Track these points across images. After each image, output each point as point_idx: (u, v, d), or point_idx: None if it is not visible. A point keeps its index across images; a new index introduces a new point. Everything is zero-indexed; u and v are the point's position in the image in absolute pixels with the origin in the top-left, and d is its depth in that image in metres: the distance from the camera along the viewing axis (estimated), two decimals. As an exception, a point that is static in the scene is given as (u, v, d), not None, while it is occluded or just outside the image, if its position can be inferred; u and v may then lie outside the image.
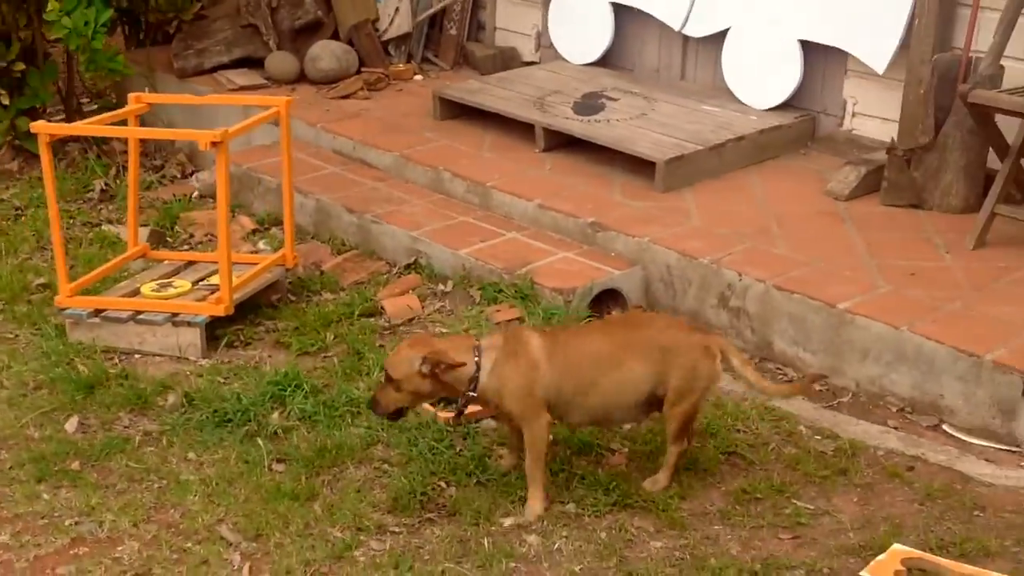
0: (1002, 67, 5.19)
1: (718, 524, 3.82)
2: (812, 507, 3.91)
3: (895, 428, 4.39)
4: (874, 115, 6.02)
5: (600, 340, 3.88)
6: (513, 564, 3.61)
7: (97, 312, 4.89)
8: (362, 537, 3.74)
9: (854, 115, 6.13)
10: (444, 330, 4.94)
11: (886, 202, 5.55)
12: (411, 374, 3.69)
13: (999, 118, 5.07)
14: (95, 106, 7.27)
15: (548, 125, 6.17)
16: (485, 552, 3.64)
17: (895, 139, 5.59)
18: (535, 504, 3.80)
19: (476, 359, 3.73)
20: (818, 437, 4.30)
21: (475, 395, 3.76)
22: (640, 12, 6.75)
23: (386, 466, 4.09)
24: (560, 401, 3.79)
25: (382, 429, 4.25)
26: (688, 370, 3.79)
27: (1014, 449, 4.23)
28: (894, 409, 4.51)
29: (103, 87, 7.52)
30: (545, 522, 3.77)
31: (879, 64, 5.81)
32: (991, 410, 4.28)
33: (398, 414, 3.83)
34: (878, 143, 5.84)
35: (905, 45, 5.65)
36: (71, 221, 6.12)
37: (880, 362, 4.54)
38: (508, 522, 3.78)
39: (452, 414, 4.06)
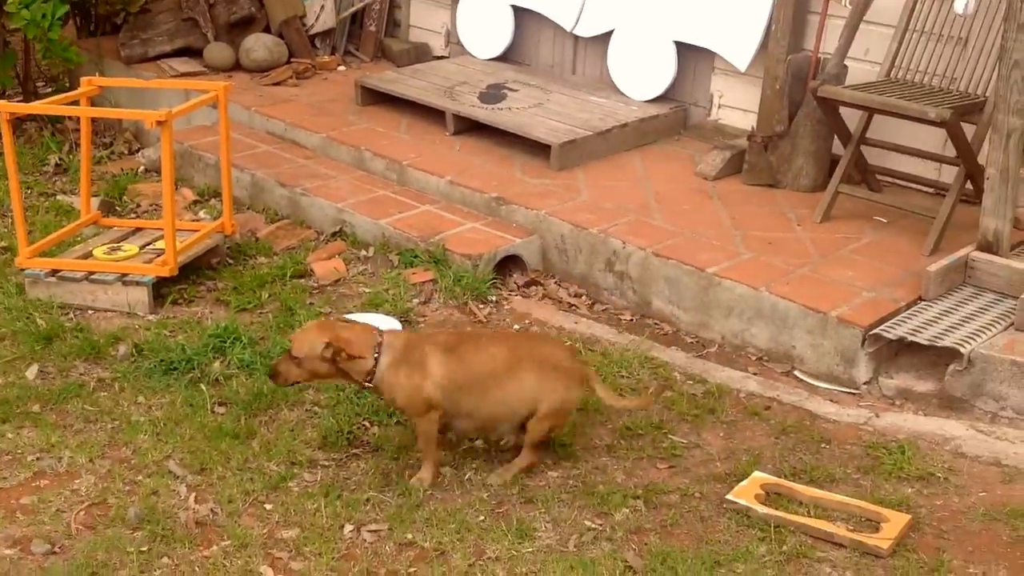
0: (846, 66, 5.26)
1: (605, 456, 3.84)
2: (685, 441, 3.95)
3: (755, 374, 4.46)
4: (737, 107, 6.08)
5: (496, 356, 3.57)
6: (429, 492, 3.59)
7: (54, 272, 4.74)
8: (295, 470, 3.69)
9: (720, 107, 6.17)
10: (367, 289, 4.89)
11: (747, 182, 5.61)
12: (313, 356, 3.44)
13: (843, 110, 5.14)
14: (50, 89, 7.03)
15: (457, 111, 6.11)
16: (405, 483, 3.62)
17: (755, 127, 5.65)
18: (425, 475, 3.63)
19: (376, 355, 3.49)
20: (690, 382, 4.35)
21: (371, 386, 3.54)
22: (537, 14, 6.70)
23: (316, 408, 4.04)
24: (452, 412, 3.57)
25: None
26: (566, 391, 3.59)
27: (854, 391, 4.33)
28: (753, 358, 4.58)
29: (57, 72, 7.27)
30: (458, 456, 3.75)
31: (741, 63, 5.86)
32: (835, 358, 4.37)
33: (292, 384, 3.61)
34: (740, 131, 5.89)
35: (764, 46, 5.71)
36: (29, 192, 5.91)
37: (742, 318, 4.60)
38: (414, 480, 3.63)
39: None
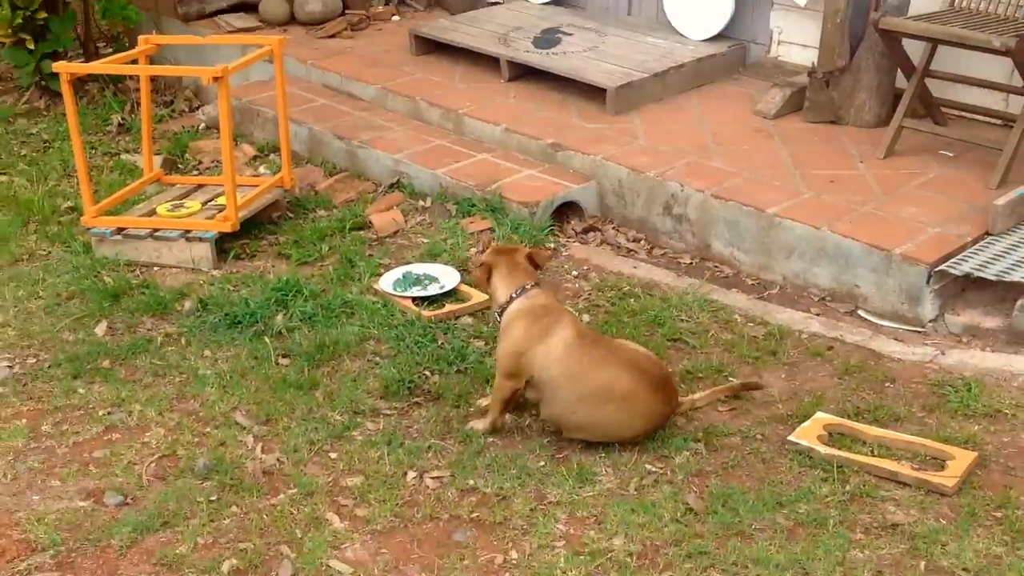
0: (908, -3, 5.14)
1: (666, 400, 3.83)
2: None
3: (817, 315, 4.41)
4: (797, 43, 5.96)
5: (614, 378, 3.46)
6: (490, 439, 3.62)
7: (119, 230, 4.84)
8: (359, 419, 3.74)
9: (779, 43, 6.07)
10: (425, 239, 4.91)
11: (808, 119, 5.51)
12: (478, 262, 3.73)
13: (905, 42, 5.02)
14: (110, 50, 7.11)
15: (511, 58, 6.08)
16: (465, 430, 3.66)
17: (815, 63, 5.53)
18: (480, 426, 3.64)
19: (513, 295, 3.55)
20: (751, 324, 4.31)
21: (499, 320, 3.57)
22: (591, -45, 6.64)
23: (377, 358, 4.08)
24: (544, 392, 3.51)
25: (374, 327, 4.24)
26: (638, 436, 3.55)
27: (919, 329, 4.26)
28: (816, 298, 4.53)
29: (117, 32, 7.34)
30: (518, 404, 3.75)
31: (801, -3, 5.75)
32: (900, 296, 4.30)
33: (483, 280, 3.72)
34: (800, 67, 5.78)
35: (824, -20, 5.59)
36: (93, 151, 6.02)
37: (804, 258, 4.55)
38: (469, 425, 3.68)
39: (434, 313, 4.10)
